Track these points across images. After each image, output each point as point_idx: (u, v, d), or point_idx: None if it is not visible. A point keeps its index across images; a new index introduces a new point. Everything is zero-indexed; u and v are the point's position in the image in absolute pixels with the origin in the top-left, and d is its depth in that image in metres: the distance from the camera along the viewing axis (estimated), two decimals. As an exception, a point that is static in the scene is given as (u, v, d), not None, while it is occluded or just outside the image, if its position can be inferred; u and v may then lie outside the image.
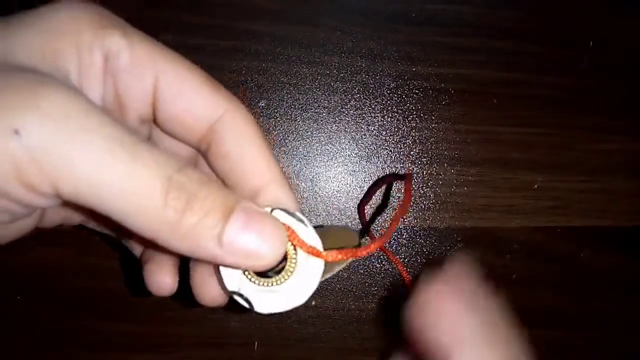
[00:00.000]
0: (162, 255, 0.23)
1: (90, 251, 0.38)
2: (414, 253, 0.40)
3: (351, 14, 0.39)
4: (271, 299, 0.21)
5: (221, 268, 0.20)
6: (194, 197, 0.17)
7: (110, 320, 0.38)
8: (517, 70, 0.40)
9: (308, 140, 0.39)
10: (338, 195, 0.39)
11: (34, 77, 0.16)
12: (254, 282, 0.20)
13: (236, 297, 0.21)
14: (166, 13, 0.37)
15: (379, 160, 0.39)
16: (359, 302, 0.40)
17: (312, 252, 0.20)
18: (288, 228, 0.20)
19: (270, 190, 0.21)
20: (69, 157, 0.15)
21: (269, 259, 0.18)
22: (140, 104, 0.20)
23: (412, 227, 0.40)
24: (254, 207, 0.19)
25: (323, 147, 0.39)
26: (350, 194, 0.39)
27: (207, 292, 0.22)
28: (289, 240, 0.20)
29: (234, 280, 0.20)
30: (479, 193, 0.40)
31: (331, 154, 0.39)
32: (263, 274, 0.20)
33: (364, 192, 0.39)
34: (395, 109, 0.40)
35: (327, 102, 0.39)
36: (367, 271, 0.40)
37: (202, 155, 0.23)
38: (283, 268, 0.20)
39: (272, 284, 0.20)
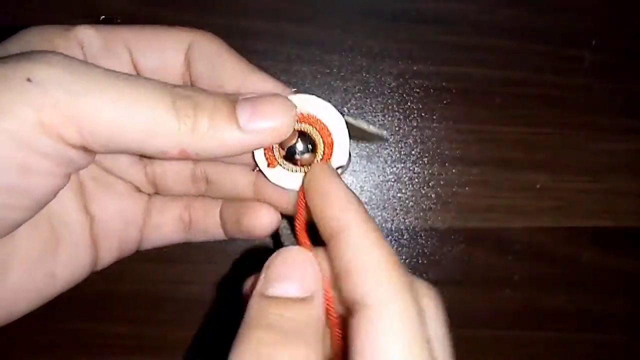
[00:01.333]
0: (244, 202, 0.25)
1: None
2: (415, 254, 0.40)
3: (352, 12, 0.39)
4: None
5: (265, 171, 0.22)
6: (198, 102, 0.19)
7: (109, 322, 0.38)
8: (520, 69, 0.40)
9: (308, 139, 0.39)
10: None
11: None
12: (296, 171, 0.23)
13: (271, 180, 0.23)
14: (165, 12, 0.37)
15: (379, 159, 0.39)
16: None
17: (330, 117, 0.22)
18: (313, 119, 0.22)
19: (252, 82, 0.23)
20: (85, 97, 0.17)
21: (287, 125, 0.20)
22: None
23: (413, 227, 0.40)
24: (250, 94, 0.20)
25: (323, 147, 0.39)
26: (350, 194, 0.39)
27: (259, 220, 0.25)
28: (308, 122, 0.22)
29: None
30: (481, 193, 0.40)
31: (331, 153, 0.39)
32: (293, 159, 0.22)
33: (364, 192, 0.39)
34: (396, 108, 0.39)
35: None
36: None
37: None
38: (307, 149, 0.22)
39: (315, 159, 0.23)
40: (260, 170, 0.23)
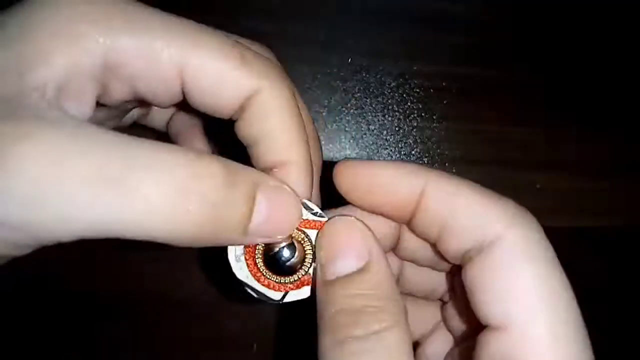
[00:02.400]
0: None
1: (89, 253, 0.37)
2: (415, 254, 0.40)
3: (352, 12, 0.39)
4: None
5: (232, 262, 0.21)
6: (212, 206, 0.16)
7: (110, 321, 0.38)
8: (520, 69, 0.40)
9: (308, 139, 0.39)
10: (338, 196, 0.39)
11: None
12: (275, 280, 0.21)
13: (249, 290, 0.21)
14: (165, 10, 0.37)
15: (379, 159, 0.39)
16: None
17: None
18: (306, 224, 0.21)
19: (287, 169, 0.21)
20: (56, 217, 0.15)
21: (285, 232, 0.20)
22: (167, 97, 0.19)
23: (413, 227, 0.40)
24: (272, 185, 0.19)
25: (323, 147, 0.38)
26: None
27: None
28: (300, 228, 0.21)
29: (246, 274, 0.21)
30: (481, 193, 0.40)
31: (331, 153, 0.39)
32: (279, 271, 0.21)
33: (364, 192, 0.39)
34: (396, 108, 0.39)
35: (327, 101, 0.39)
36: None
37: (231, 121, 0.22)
38: (295, 259, 0.21)
39: (298, 276, 0.21)
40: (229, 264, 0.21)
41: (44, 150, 0.14)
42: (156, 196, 0.15)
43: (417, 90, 0.39)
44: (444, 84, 0.39)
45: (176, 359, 0.39)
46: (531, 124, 0.40)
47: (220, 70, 0.19)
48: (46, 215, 0.15)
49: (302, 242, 0.21)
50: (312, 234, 0.21)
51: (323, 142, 0.39)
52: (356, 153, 0.39)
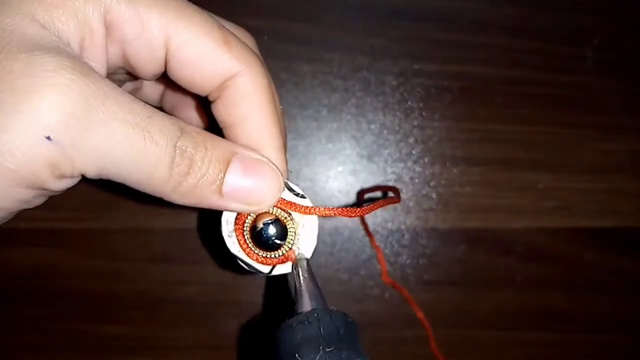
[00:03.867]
0: None
1: (88, 253, 0.37)
2: (416, 255, 0.39)
3: (352, 10, 0.38)
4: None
5: (225, 237, 0.23)
6: (194, 160, 0.19)
7: (105, 322, 0.38)
8: (521, 68, 0.40)
9: (308, 139, 0.38)
10: (338, 195, 0.39)
11: (48, 63, 0.17)
12: (261, 254, 0.23)
13: (241, 263, 0.23)
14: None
15: (380, 159, 0.39)
16: (359, 304, 0.39)
17: (306, 210, 0.22)
18: (287, 203, 0.22)
19: (264, 152, 0.22)
20: (96, 146, 0.17)
21: (268, 202, 0.21)
22: (151, 65, 0.21)
23: (414, 228, 0.39)
24: (249, 155, 0.21)
25: (323, 146, 0.39)
26: (350, 194, 0.39)
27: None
28: (283, 208, 0.22)
29: (237, 249, 0.23)
30: (483, 193, 0.39)
31: (331, 153, 0.39)
32: (265, 246, 0.23)
33: (365, 192, 0.39)
34: (397, 107, 0.39)
35: (327, 100, 0.38)
36: (367, 273, 0.39)
37: (207, 102, 0.23)
38: (279, 237, 0.23)
39: (282, 252, 0.23)
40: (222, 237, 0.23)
41: (91, 83, 0.17)
42: (161, 145, 0.18)
43: (418, 89, 0.39)
44: (445, 83, 0.39)
45: (175, 359, 0.38)
46: (533, 123, 0.40)
47: (203, 46, 0.20)
48: (88, 142, 0.17)
49: (285, 220, 0.23)
50: (295, 214, 0.23)
51: (323, 141, 0.39)
52: (356, 152, 0.39)
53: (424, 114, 0.39)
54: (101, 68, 0.20)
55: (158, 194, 0.19)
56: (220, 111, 0.22)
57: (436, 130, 0.39)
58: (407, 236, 0.39)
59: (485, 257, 0.39)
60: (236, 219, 0.23)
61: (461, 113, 0.39)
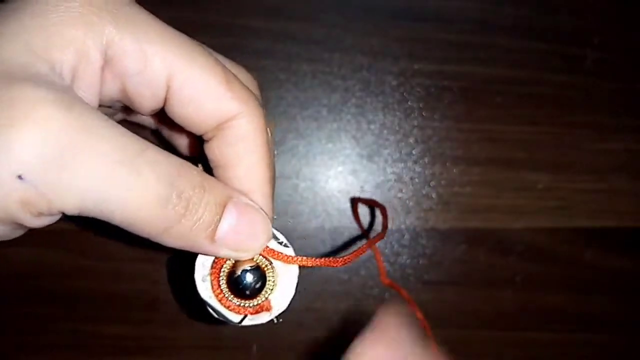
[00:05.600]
0: None
1: (87, 253, 0.37)
2: (416, 255, 0.40)
3: (352, 10, 0.39)
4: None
5: (197, 281, 0.22)
6: (192, 201, 0.18)
7: (105, 322, 0.38)
8: (521, 68, 0.40)
9: (308, 138, 0.38)
10: (338, 195, 0.39)
11: (30, 95, 0.16)
12: (235, 302, 0.22)
13: (210, 310, 0.22)
14: (165, 10, 0.37)
15: (380, 159, 0.39)
16: (359, 305, 0.39)
17: (289, 260, 0.22)
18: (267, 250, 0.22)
19: (252, 196, 0.22)
20: (74, 184, 0.16)
21: (256, 249, 0.21)
22: (151, 102, 0.20)
23: (414, 228, 0.39)
24: (243, 200, 0.21)
25: (323, 146, 0.39)
26: (350, 194, 0.39)
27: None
28: (265, 255, 0.22)
29: (209, 294, 0.22)
30: (483, 193, 0.39)
31: (331, 153, 0.39)
32: (241, 294, 0.22)
33: (365, 192, 0.39)
34: (397, 107, 0.39)
35: (327, 100, 0.38)
36: (367, 273, 0.39)
37: (201, 140, 0.23)
38: (257, 285, 0.22)
39: (257, 302, 0.22)
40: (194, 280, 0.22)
41: (75, 118, 0.16)
42: (152, 183, 0.17)
43: (418, 89, 0.39)
44: (445, 82, 0.39)
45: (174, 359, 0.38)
46: (533, 123, 0.40)
47: (205, 86, 0.20)
48: (66, 180, 0.16)
49: (266, 268, 0.22)
50: (277, 263, 0.22)
51: (323, 141, 0.39)
52: (356, 152, 0.39)
53: (424, 114, 0.39)
54: (93, 98, 0.19)
55: (145, 235, 0.19)
56: (214, 151, 0.22)
57: (436, 130, 0.39)
58: (407, 236, 0.39)
59: (485, 257, 0.40)
60: (213, 262, 0.22)
61: (461, 113, 0.39)
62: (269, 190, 0.22)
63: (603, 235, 0.40)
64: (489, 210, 0.39)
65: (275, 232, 0.22)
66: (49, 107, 0.16)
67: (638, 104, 0.41)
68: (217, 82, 0.20)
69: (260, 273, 0.22)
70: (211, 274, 0.22)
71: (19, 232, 0.18)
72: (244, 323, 0.22)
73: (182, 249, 0.20)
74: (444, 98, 0.39)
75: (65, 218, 0.18)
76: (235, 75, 0.21)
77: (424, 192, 0.39)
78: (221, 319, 0.22)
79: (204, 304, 0.22)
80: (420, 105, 0.39)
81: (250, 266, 0.22)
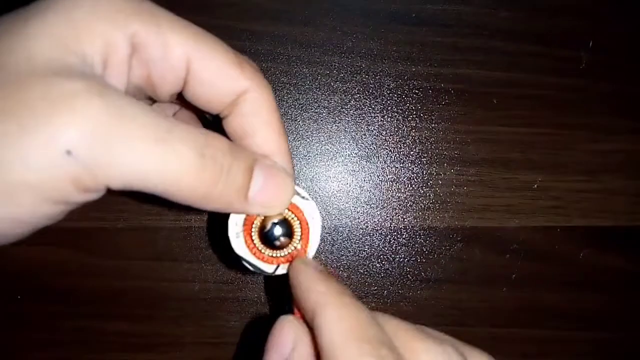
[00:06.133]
0: None
1: (93, 251, 0.38)
2: (413, 253, 0.40)
3: (351, 14, 0.39)
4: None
5: (231, 238, 0.24)
6: (224, 167, 0.20)
7: (109, 319, 0.38)
8: (517, 70, 0.40)
9: (308, 140, 0.39)
10: (338, 195, 0.39)
11: (66, 87, 0.17)
12: (268, 254, 0.24)
13: (245, 264, 0.24)
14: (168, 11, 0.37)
15: (378, 160, 0.39)
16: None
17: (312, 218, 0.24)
18: (294, 207, 0.24)
19: (275, 159, 0.24)
20: (117, 161, 0.18)
21: (284, 204, 0.23)
22: (172, 85, 0.22)
23: (412, 226, 0.40)
24: (267, 162, 0.22)
25: (323, 147, 0.39)
26: (350, 194, 0.39)
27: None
28: (290, 209, 0.24)
29: (243, 249, 0.24)
30: (479, 193, 0.40)
31: (331, 153, 0.39)
32: (272, 246, 0.24)
33: (364, 192, 0.40)
34: (395, 109, 0.40)
35: (327, 102, 0.39)
36: (367, 271, 0.40)
37: (219, 118, 0.25)
38: (286, 236, 0.24)
39: (287, 251, 0.24)
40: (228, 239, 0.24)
41: (109, 103, 0.18)
42: (186, 155, 0.19)
43: (416, 91, 0.40)
44: (442, 85, 0.40)
45: (175, 358, 0.39)
46: (529, 124, 0.40)
47: (221, 66, 0.22)
48: (110, 157, 0.17)
49: (292, 220, 0.24)
50: (301, 213, 0.24)
51: (323, 142, 0.39)
52: (355, 153, 0.39)
53: (421, 115, 0.40)
54: (122, 86, 0.21)
55: (187, 202, 0.20)
56: (233, 125, 0.24)
57: (433, 132, 0.40)
58: (405, 235, 0.40)
59: (481, 256, 0.40)
60: (245, 220, 0.24)
61: (458, 115, 0.40)
62: (286, 151, 0.24)
63: (598, 235, 0.41)
64: (485, 209, 0.40)
65: (296, 187, 0.24)
66: (86, 96, 0.17)
67: (632, 106, 0.41)
68: (231, 62, 0.22)
69: (288, 225, 0.24)
70: (244, 231, 0.24)
71: (62, 216, 0.19)
72: (277, 272, 0.24)
73: (220, 211, 0.21)
74: (441, 100, 0.40)
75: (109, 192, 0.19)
76: (243, 57, 0.23)
77: (421, 191, 0.40)
78: (256, 271, 0.24)
79: (239, 259, 0.24)
80: (418, 107, 0.40)
81: (279, 219, 0.24)
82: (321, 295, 0.20)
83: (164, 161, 0.18)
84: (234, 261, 0.24)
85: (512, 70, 0.40)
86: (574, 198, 0.41)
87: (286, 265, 0.24)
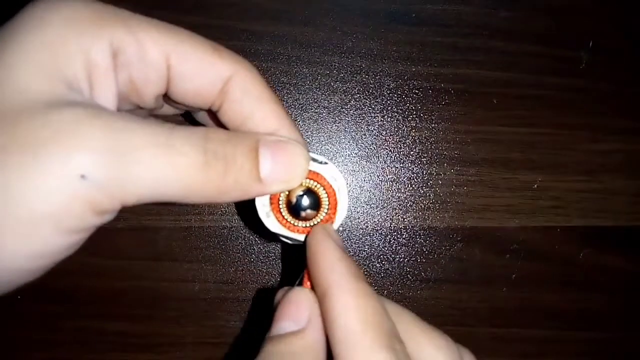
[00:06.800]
0: None
1: (93, 251, 0.38)
2: (413, 253, 0.40)
3: (351, 14, 0.39)
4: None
5: (263, 219, 0.24)
6: (227, 158, 0.20)
7: (109, 319, 0.38)
8: (517, 70, 0.40)
9: (308, 140, 0.39)
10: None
11: (64, 116, 0.17)
12: (301, 225, 0.25)
13: (284, 239, 0.25)
14: (166, 14, 0.38)
15: (378, 160, 0.40)
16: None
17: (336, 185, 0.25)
18: (319, 176, 0.24)
19: (281, 134, 0.23)
20: (129, 176, 0.18)
21: (301, 174, 0.23)
22: (155, 85, 0.22)
23: (412, 226, 0.40)
24: (270, 138, 0.22)
25: (323, 147, 0.39)
26: (350, 194, 0.39)
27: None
28: (310, 177, 0.24)
29: (277, 226, 0.24)
30: (479, 193, 0.40)
31: (331, 153, 0.39)
32: (302, 217, 0.24)
33: (364, 192, 0.40)
34: (395, 109, 0.40)
35: (327, 102, 0.39)
36: (366, 272, 0.40)
37: (212, 115, 0.25)
38: (314, 204, 0.24)
39: (319, 218, 0.25)
40: (259, 218, 0.24)
41: (106, 123, 0.18)
42: (190, 153, 0.19)
43: (416, 91, 0.40)
44: (441, 85, 0.40)
45: (176, 358, 0.39)
46: (528, 124, 0.40)
47: (200, 56, 0.22)
48: (120, 174, 0.18)
49: (316, 188, 0.24)
50: (322, 179, 0.24)
51: (323, 142, 0.39)
52: (355, 153, 0.39)
53: (421, 115, 0.40)
54: (112, 100, 0.21)
55: (204, 200, 0.20)
56: (227, 113, 0.23)
57: (433, 132, 0.40)
58: (405, 235, 0.40)
59: (481, 256, 0.40)
60: (270, 199, 0.24)
61: (458, 115, 0.40)
62: (289, 122, 0.24)
63: (598, 235, 0.41)
64: (485, 209, 0.40)
65: (312, 154, 0.24)
66: (85, 121, 0.17)
67: (632, 105, 0.41)
68: (208, 51, 0.22)
69: (313, 193, 0.24)
70: (272, 209, 0.24)
71: (82, 241, 0.20)
72: None
73: (241, 199, 0.21)
74: (441, 100, 0.40)
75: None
76: (220, 46, 0.23)
77: (421, 191, 0.40)
78: (295, 243, 0.25)
79: (275, 235, 0.25)
80: (418, 107, 0.40)
81: (303, 191, 0.24)
82: (338, 276, 0.20)
83: (172, 164, 0.18)
84: (270, 237, 0.25)
85: (512, 70, 0.40)
86: (574, 198, 0.41)
87: None
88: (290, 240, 0.25)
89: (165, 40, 0.21)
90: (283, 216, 0.24)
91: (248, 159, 0.21)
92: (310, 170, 0.24)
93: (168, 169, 0.18)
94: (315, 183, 0.24)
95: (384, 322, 0.19)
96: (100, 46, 0.19)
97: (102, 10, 0.20)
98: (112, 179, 0.17)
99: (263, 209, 0.24)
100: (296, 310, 0.21)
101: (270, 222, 0.24)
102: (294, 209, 0.24)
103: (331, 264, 0.21)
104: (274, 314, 0.22)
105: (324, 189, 0.25)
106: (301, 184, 0.24)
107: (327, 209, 0.25)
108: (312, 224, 0.25)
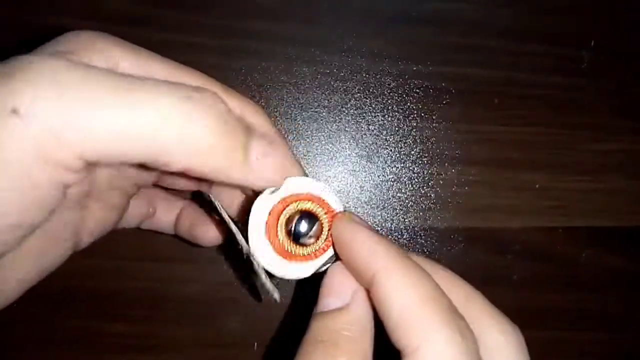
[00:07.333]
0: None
1: (91, 252, 0.37)
2: (415, 253, 0.40)
3: (351, 13, 0.39)
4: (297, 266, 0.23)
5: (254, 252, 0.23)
6: (225, 121, 0.19)
7: (107, 320, 0.38)
8: (518, 69, 0.40)
9: (308, 139, 0.39)
10: (338, 195, 0.39)
11: (20, 59, 0.16)
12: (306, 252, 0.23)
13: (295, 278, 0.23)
14: (166, 13, 0.37)
15: (379, 159, 0.39)
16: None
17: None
18: (317, 199, 0.23)
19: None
20: (83, 122, 0.16)
21: (285, 175, 0.22)
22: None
23: (412, 227, 0.40)
24: (262, 132, 0.22)
25: (323, 147, 0.39)
26: (350, 194, 0.39)
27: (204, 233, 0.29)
28: (313, 202, 0.23)
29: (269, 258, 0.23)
30: (480, 193, 0.40)
31: (331, 153, 0.39)
32: (301, 243, 0.23)
33: (364, 192, 0.39)
34: (396, 109, 0.39)
35: (327, 101, 0.39)
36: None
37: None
38: (315, 229, 0.23)
39: (320, 245, 0.23)
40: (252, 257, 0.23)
41: (71, 66, 0.16)
42: (166, 101, 0.17)
43: (417, 90, 0.39)
44: (442, 84, 0.39)
45: (176, 359, 0.39)
46: (530, 124, 0.40)
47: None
48: (74, 121, 0.16)
49: (316, 212, 0.23)
50: (326, 201, 0.23)
51: (323, 142, 0.39)
52: (356, 153, 0.39)
53: (422, 115, 0.39)
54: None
55: (181, 161, 0.18)
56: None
57: (434, 131, 0.40)
58: (405, 235, 0.40)
59: (482, 256, 0.40)
60: (266, 227, 0.23)
61: (459, 114, 0.40)
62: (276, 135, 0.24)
63: (599, 235, 0.41)
64: (487, 209, 0.40)
65: (314, 182, 0.23)
66: (46, 62, 0.16)
67: (634, 105, 0.41)
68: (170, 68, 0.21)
69: (312, 217, 0.23)
70: (270, 242, 0.23)
71: (56, 200, 0.17)
72: (323, 268, 0.23)
73: (218, 176, 0.20)
74: (441, 99, 0.40)
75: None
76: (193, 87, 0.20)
77: (422, 192, 0.40)
78: (316, 274, 0.23)
79: (294, 281, 0.25)
80: (419, 106, 0.39)
81: (299, 215, 0.23)
82: (383, 260, 0.19)
83: (139, 112, 0.16)
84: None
85: (513, 69, 0.40)
86: (576, 198, 0.41)
87: (323, 255, 0.23)
88: (313, 273, 0.23)
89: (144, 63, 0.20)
90: (281, 243, 0.23)
91: (243, 130, 0.20)
92: (309, 193, 0.23)
93: (136, 118, 0.16)
94: (314, 207, 0.23)
95: (442, 298, 0.18)
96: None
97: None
98: (60, 123, 0.15)
99: (263, 267, 0.23)
100: (340, 286, 0.20)
101: (262, 253, 0.23)
102: (295, 235, 0.23)
103: (371, 250, 0.19)
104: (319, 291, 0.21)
105: (324, 212, 0.23)
106: (299, 209, 0.23)
107: (328, 233, 0.23)
108: (317, 248, 0.23)
